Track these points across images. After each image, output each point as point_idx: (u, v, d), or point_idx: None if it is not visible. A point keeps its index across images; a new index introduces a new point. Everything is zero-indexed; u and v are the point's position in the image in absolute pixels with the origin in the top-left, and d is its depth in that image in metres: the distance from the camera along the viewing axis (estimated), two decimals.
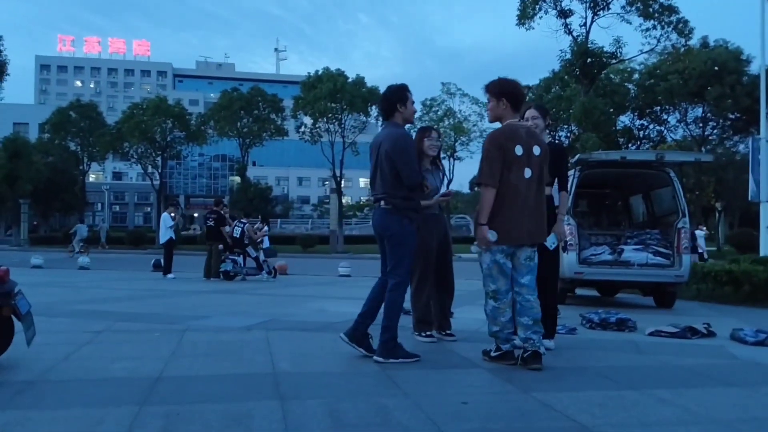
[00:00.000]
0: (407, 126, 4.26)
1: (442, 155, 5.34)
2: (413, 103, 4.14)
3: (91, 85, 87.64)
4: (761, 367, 4.06)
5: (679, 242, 7.59)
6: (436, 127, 5.73)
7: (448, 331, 4.86)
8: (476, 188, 4.15)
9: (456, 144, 40.70)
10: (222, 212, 12.72)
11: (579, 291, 9.14)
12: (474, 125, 40.65)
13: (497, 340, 3.90)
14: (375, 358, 3.86)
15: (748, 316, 6.99)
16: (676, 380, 3.57)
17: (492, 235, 3.75)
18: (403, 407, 2.87)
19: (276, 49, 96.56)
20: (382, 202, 4.00)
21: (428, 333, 4.74)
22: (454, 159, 41.29)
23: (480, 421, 2.70)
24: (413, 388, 3.23)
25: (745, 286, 8.83)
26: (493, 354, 3.95)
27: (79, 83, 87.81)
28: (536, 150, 3.86)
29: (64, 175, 42.50)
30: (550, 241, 4.10)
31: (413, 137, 4.95)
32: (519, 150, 3.78)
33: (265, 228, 14.47)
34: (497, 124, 4.00)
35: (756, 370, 3.99)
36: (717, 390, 3.39)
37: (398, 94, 4.08)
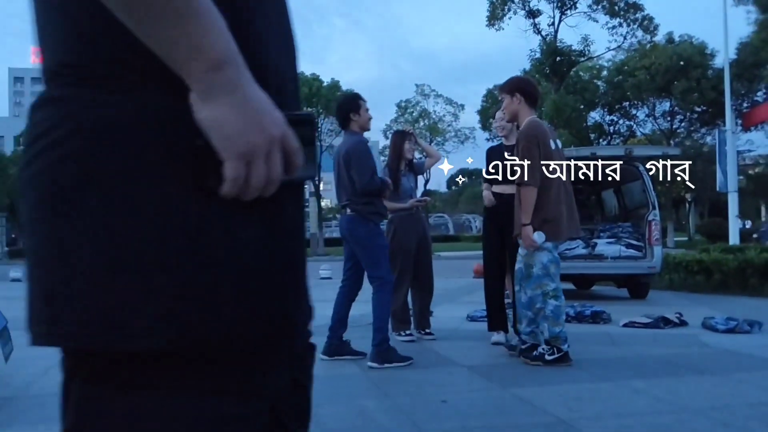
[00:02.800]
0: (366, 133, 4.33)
1: (417, 156, 5.42)
2: (367, 110, 4.17)
3: None
4: (732, 354, 4.17)
5: (650, 234, 7.76)
6: (411, 130, 5.85)
7: (427, 330, 4.91)
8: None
9: (432, 144, 40.88)
10: None
11: None
12: (449, 125, 40.89)
13: (557, 341, 3.76)
14: (369, 364, 3.82)
15: (719, 304, 7.16)
16: (650, 370, 3.66)
17: (539, 237, 3.69)
18: (383, 409, 2.90)
19: None
20: (348, 209, 4.05)
21: (407, 332, 4.78)
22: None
23: (459, 419, 2.74)
24: (394, 389, 3.27)
25: (715, 274, 9.04)
26: (549, 358, 3.76)
27: None
28: (559, 143, 3.96)
29: None
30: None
31: (393, 139, 5.05)
32: (553, 144, 3.83)
33: None
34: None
35: (727, 357, 4.10)
36: (689, 378, 3.48)
37: (351, 104, 4.14)
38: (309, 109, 37.15)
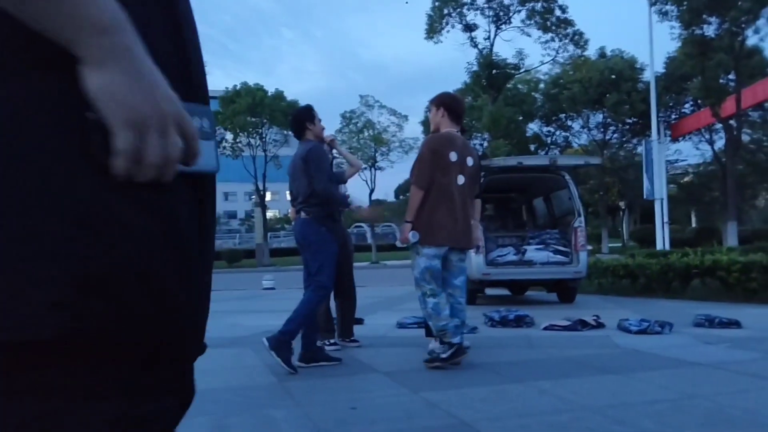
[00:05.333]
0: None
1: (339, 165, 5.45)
2: (320, 120, 4.45)
3: None
4: (639, 354, 4.35)
5: (576, 240, 8.05)
6: (332, 137, 5.88)
7: (351, 338, 4.93)
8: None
9: (376, 154, 41.12)
10: None
11: (490, 291, 9.48)
12: (393, 136, 41.21)
13: (446, 336, 3.87)
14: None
15: (640, 306, 7.48)
16: (559, 371, 3.78)
17: (413, 236, 3.97)
18: (291, 418, 2.89)
19: None
20: (302, 213, 4.16)
21: (332, 341, 4.78)
22: (375, 169, 41.75)
23: (365, 425, 2.76)
24: (306, 398, 3.26)
25: (640, 278, 9.46)
26: (444, 355, 3.87)
27: None
28: (470, 161, 4.13)
29: None
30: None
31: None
32: (453, 156, 4.00)
33: None
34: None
35: (634, 357, 4.28)
36: (594, 378, 3.61)
37: (307, 114, 4.41)
38: (254, 119, 36.72)
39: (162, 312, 0.63)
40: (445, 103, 4.20)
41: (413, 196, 4.03)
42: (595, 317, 5.63)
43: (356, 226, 42.28)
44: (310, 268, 4.15)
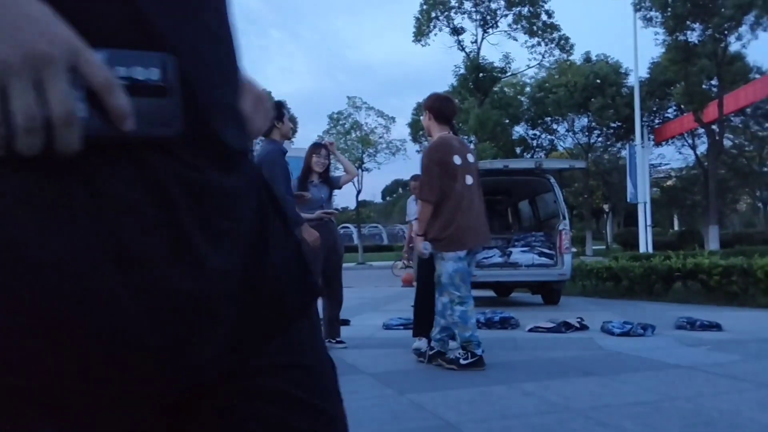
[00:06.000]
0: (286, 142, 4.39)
1: (334, 170, 5.44)
2: (290, 120, 4.33)
3: None
4: (622, 356, 4.41)
5: (561, 243, 8.12)
6: (330, 142, 5.90)
7: (337, 339, 4.93)
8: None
9: (363, 156, 41.13)
10: None
11: (476, 293, 9.52)
12: (380, 137, 41.26)
13: (470, 346, 3.89)
14: None
15: (623, 308, 7.56)
16: (544, 373, 3.82)
17: (425, 247, 3.99)
18: None
19: None
20: None
21: None
22: (363, 170, 41.80)
23: (350, 426, 2.76)
24: None
25: (623, 281, 9.56)
26: (464, 362, 3.90)
27: None
28: (470, 158, 4.12)
29: None
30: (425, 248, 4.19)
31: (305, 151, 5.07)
32: (457, 160, 3.99)
33: None
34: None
35: (616, 359, 4.33)
36: (578, 380, 3.65)
37: (276, 111, 4.20)
38: None
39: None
40: (429, 106, 4.20)
41: (423, 210, 4.00)
42: (578, 319, 5.69)
43: (343, 227, 42.26)
44: None
